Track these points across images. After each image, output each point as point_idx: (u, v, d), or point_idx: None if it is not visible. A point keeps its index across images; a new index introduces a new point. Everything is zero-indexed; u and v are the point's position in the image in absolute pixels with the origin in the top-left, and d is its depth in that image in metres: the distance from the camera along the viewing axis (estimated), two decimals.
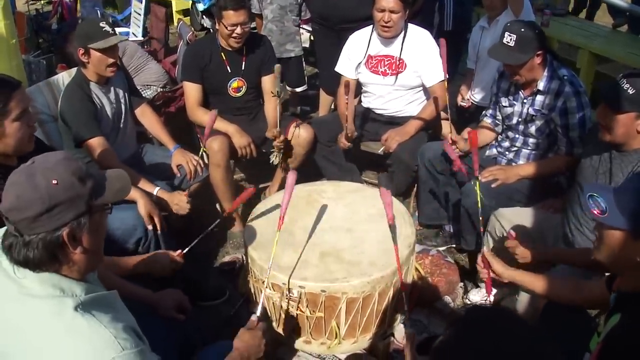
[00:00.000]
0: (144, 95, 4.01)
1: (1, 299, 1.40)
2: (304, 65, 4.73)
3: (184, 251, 2.42)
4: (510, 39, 2.72)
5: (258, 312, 1.95)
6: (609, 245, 1.58)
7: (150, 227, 2.65)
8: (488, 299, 2.68)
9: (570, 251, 2.45)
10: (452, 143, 3.07)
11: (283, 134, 3.40)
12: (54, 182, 1.36)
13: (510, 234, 2.48)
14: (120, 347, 1.35)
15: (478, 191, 2.51)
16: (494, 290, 2.69)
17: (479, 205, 2.53)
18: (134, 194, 2.60)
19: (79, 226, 1.40)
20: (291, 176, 2.21)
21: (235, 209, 3.39)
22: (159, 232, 2.69)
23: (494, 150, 3.21)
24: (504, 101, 3.05)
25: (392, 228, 2.21)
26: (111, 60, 2.87)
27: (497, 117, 3.17)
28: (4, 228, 1.45)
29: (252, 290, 2.49)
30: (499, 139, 3.20)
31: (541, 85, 2.81)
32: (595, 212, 1.57)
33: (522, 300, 2.42)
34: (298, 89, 4.75)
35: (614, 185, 2.06)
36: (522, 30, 2.73)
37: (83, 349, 1.33)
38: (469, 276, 3.10)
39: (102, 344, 1.35)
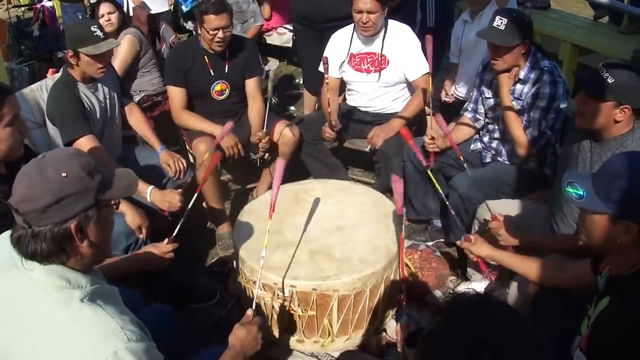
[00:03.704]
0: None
1: (12, 290, 1.45)
2: None
3: (174, 234, 2.40)
4: (501, 23, 2.76)
5: (253, 306, 1.96)
6: (592, 228, 1.61)
7: (141, 236, 2.65)
8: (485, 279, 2.79)
9: (553, 237, 2.48)
10: (431, 139, 3.14)
11: (268, 135, 3.40)
12: (64, 174, 1.41)
13: (496, 216, 2.51)
14: (126, 338, 1.38)
15: (433, 179, 2.68)
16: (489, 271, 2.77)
17: (440, 190, 2.68)
18: (123, 206, 2.58)
19: (87, 219, 1.45)
20: (279, 164, 2.24)
21: (221, 203, 3.41)
22: (144, 238, 2.68)
23: (479, 145, 3.23)
24: (487, 93, 3.08)
25: (400, 218, 2.28)
26: (100, 65, 2.86)
27: (479, 111, 3.19)
28: (8, 232, 1.50)
29: (244, 291, 2.49)
30: (482, 133, 3.22)
31: (522, 74, 2.85)
32: (574, 197, 1.61)
33: (512, 291, 2.44)
34: None
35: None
36: (514, 15, 2.78)
37: (89, 337, 1.36)
38: (459, 269, 3.12)
39: (108, 333, 1.37)
